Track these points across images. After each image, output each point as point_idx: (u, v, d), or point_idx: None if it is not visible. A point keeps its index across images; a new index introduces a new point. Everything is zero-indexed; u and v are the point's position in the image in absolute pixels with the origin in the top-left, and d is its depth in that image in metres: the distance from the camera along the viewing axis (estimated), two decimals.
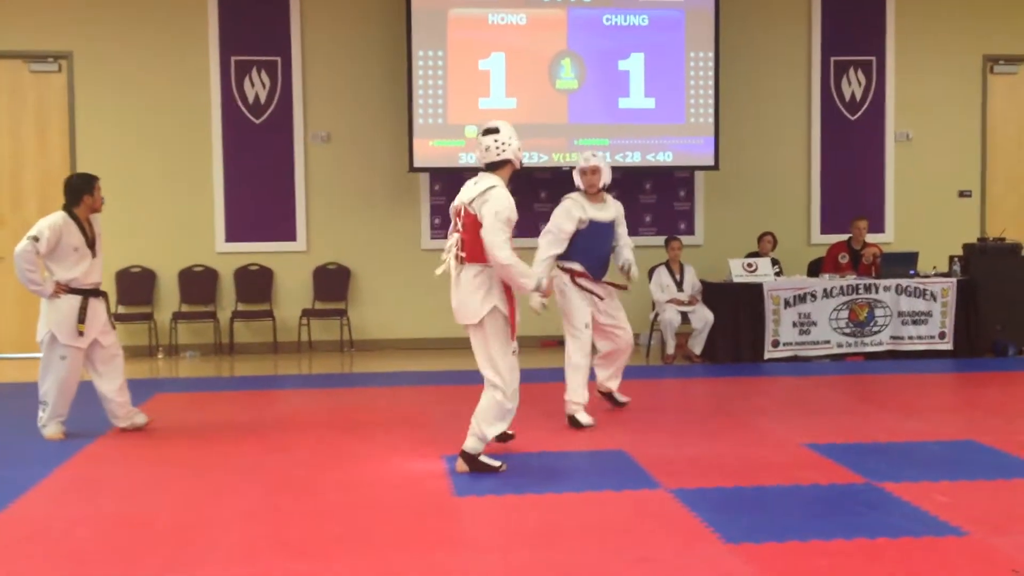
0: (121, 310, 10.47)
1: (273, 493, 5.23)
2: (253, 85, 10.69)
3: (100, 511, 4.99)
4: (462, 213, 5.57)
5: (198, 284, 10.63)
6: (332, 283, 10.81)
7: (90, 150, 10.54)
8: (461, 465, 5.56)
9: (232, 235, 10.72)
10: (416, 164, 10.52)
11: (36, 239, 6.34)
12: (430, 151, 10.49)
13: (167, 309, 10.61)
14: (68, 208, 6.51)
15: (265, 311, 10.69)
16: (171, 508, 5.02)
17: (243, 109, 10.69)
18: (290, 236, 10.78)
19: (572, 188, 11.24)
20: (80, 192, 6.52)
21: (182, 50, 10.60)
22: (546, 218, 10.87)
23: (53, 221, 6.42)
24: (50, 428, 6.55)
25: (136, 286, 10.57)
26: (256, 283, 10.73)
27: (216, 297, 10.70)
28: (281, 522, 4.74)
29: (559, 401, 6.94)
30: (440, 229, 10.83)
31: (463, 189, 5.68)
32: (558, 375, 8.73)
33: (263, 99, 10.71)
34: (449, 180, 10.75)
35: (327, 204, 10.82)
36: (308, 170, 10.78)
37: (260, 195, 10.73)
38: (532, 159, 10.59)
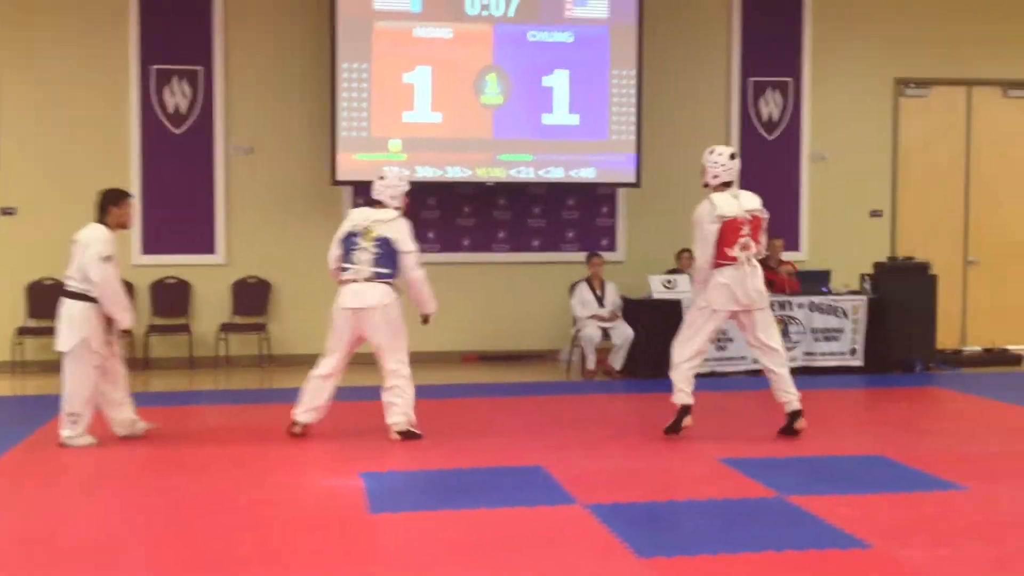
0: (31, 323, 10.22)
1: (184, 511, 5.16)
2: (173, 95, 10.55)
3: (2, 528, 4.86)
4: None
5: None
6: (252, 297, 10.68)
7: (3, 156, 10.29)
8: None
9: (149, 247, 10.54)
10: (339, 177, 10.46)
11: (110, 258, 6.44)
12: (353, 164, 10.44)
13: None
14: (101, 220, 6.61)
15: (182, 325, 10.52)
16: (77, 525, 4.93)
17: (163, 119, 10.54)
18: (209, 249, 10.63)
19: (494, 204, 11.34)
20: (105, 204, 6.64)
21: (101, 58, 10.40)
22: (470, 232, 11.03)
23: (107, 235, 6.52)
24: (86, 439, 6.48)
25: (48, 299, 10.21)
26: (173, 296, 10.55)
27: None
28: (191, 540, 4.67)
29: (478, 416, 6.97)
30: None
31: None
32: (478, 391, 8.74)
33: (184, 109, 10.57)
34: None
35: (248, 217, 10.70)
36: (229, 182, 10.65)
37: (179, 207, 10.57)
38: (456, 173, 10.62)
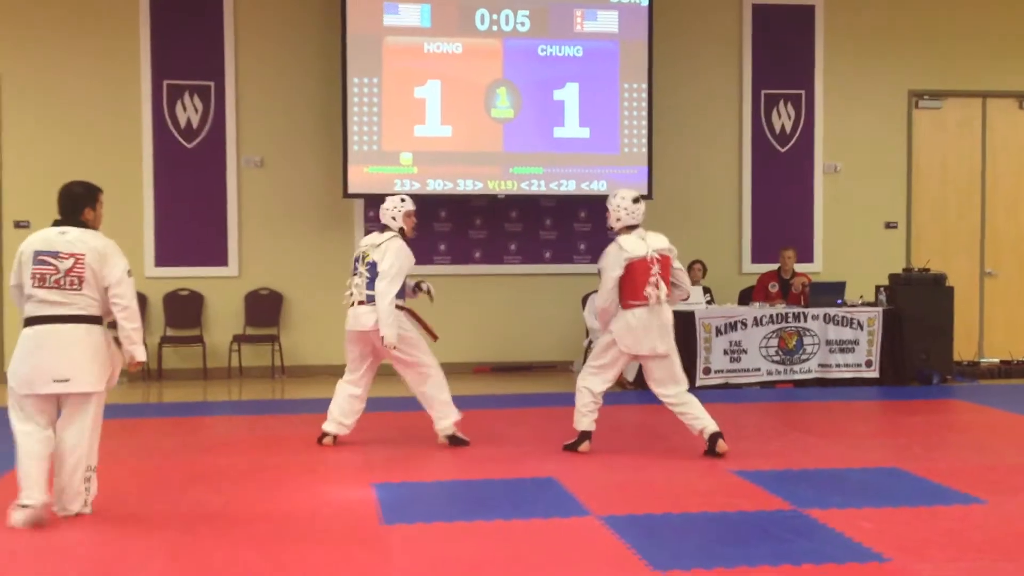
0: None
1: (196, 523, 5.13)
2: (185, 109, 10.58)
3: (9, 543, 4.83)
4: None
5: None
6: (264, 308, 10.69)
7: (16, 173, 10.34)
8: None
9: (162, 260, 10.56)
10: (351, 190, 10.47)
11: (130, 272, 5.10)
12: (365, 177, 10.45)
13: None
14: (74, 225, 5.15)
15: (195, 336, 10.52)
16: (88, 541, 4.89)
17: (175, 133, 10.57)
18: (221, 261, 10.65)
19: (505, 216, 11.30)
20: (83, 203, 5.19)
21: (113, 73, 10.45)
22: (482, 245, 11.02)
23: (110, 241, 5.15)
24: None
25: None
26: (186, 308, 10.57)
27: (144, 322, 10.47)
28: (202, 553, 4.64)
29: (490, 427, 6.94)
30: None
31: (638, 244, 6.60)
32: (490, 402, 8.71)
33: (195, 123, 10.60)
34: None
35: (260, 229, 10.71)
36: (241, 195, 10.68)
37: (191, 220, 10.60)
38: (467, 186, 10.62)
